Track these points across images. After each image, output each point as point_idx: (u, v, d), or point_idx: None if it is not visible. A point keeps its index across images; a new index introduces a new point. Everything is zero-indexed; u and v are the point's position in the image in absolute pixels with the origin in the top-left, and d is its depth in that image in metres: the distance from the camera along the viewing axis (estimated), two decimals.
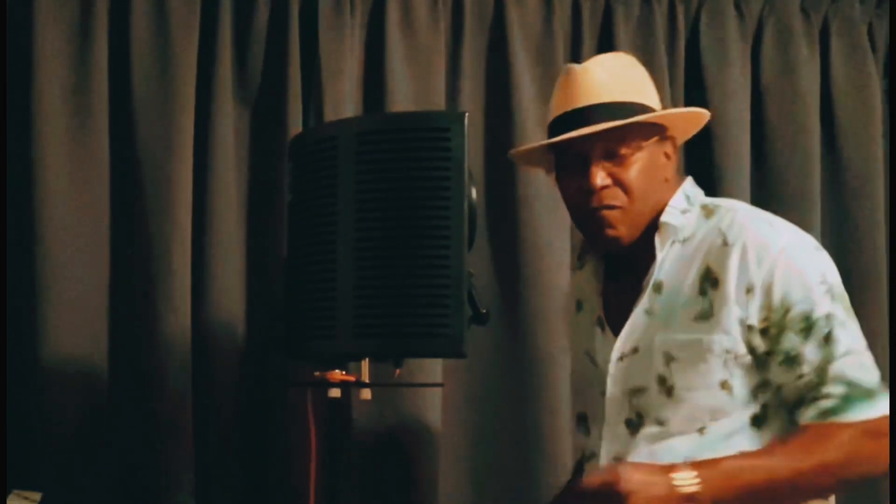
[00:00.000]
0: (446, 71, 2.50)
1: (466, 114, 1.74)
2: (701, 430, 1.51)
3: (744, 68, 2.62)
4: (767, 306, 1.48)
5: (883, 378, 2.52)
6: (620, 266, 1.68)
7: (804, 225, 2.53)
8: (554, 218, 2.47)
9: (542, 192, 2.46)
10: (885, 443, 1.45)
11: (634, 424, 1.57)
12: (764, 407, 1.52)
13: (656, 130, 1.61)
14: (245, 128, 2.43)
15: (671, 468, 1.42)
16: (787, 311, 1.47)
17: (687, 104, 2.58)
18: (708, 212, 1.59)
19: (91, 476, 2.27)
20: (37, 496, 1.93)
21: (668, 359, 1.54)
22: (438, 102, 2.46)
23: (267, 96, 2.43)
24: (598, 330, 1.67)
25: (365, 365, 1.95)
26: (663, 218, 1.58)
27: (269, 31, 2.43)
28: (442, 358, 2.33)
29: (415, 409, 2.39)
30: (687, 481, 1.40)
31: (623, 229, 1.59)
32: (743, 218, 1.55)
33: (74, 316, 2.29)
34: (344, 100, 2.41)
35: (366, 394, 1.96)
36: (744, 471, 1.45)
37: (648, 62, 2.56)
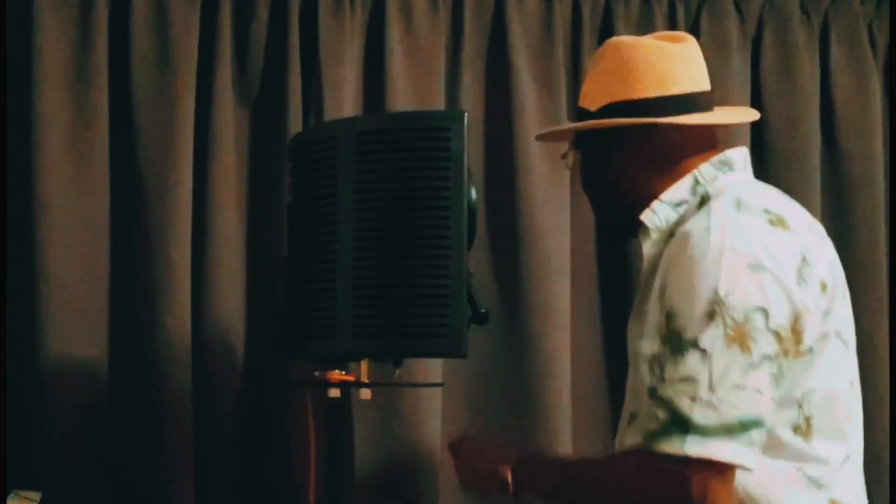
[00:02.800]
0: (446, 70, 2.50)
1: (466, 114, 1.74)
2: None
3: (744, 68, 2.62)
4: (666, 312, 1.39)
5: (881, 379, 2.55)
6: None
7: None
8: (554, 218, 2.47)
9: (542, 192, 2.46)
10: (674, 485, 1.34)
11: (630, 417, 1.58)
12: None
13: (617, 130, 1.57)
14: (245, 128, 2.43)
15: (508, 453, 1.58)
16: (671, 321, 1.38)
17: None
18: (700, 205, 1.51)
19: (91, 476, 2.27)
20: (37, 496, 1.93)
21: (634, 358, 1.52)
22: (438, 102, 2.46)
23: (267, 96, 2.43)
24: None
25: (365, 365, 1.95)
26: (641, 216, 1.54)
27: (269, 31, 2.43)
28: (442, 358, 2.33)
29: (415, 409, 2.39)
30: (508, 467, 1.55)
31: (603, 218, 1.72)
32: (699, 217, 1.45)
33: (74, 316, 2.29)
34: (344, 100, 2.41)
35: (366, 394, 1.96)
36: (548, 470, 1.58)
37: None
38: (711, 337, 1.34)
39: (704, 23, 2.61)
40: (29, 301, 2.26)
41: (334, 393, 1.92)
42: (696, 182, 1.53)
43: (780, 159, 2.62)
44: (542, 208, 2.47)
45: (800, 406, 1.41)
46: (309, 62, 2.42)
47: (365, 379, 1.94)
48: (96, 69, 2.33)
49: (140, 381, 2.30)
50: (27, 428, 2.24)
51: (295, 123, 2.37)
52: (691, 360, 1.34)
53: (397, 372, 1.93)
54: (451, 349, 1.74)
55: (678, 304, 1.37)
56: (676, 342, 1.36)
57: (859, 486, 1.52)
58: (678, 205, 1.53)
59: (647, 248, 1.54)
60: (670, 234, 1.50)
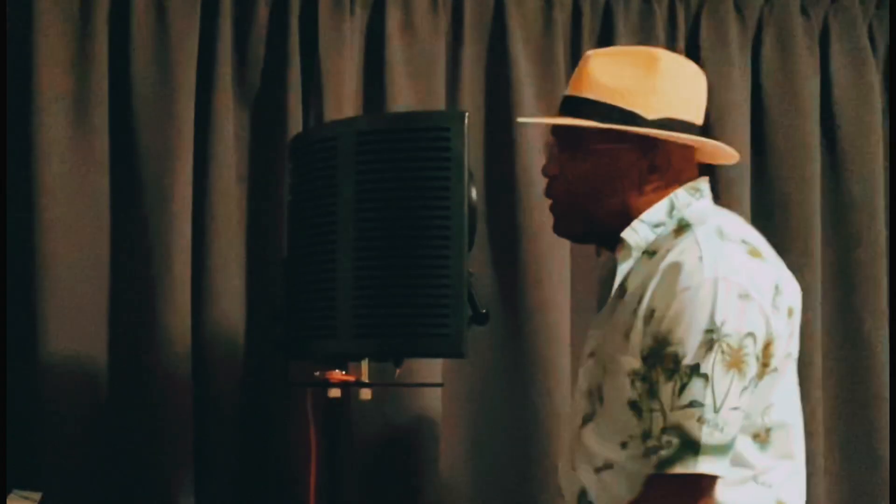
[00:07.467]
0: (446, 71, 2.50)
1: (466, 114, 1.74)
2: (623, 445, 1.52)
3: (744, 68, 2.62)
4: (654, 336, 1.46)
5: (882, 380, 2.56)
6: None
7: (804, 224, 2.58)
8: None
9: (542, 192, 2.46)
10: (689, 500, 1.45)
11: (584, 421, 1.60)
12: None
13: (626, 137, 1.56)
14: (245, 128, 2.43)
15: None
16: (664, 346, 1.44)
17: None
18: (678, 230, 1.55)
19: (91, 476, 2.27)
20: (37, 496, 1.94)
21: (604, 369, 1.55)
22: (438, 102, 2.46)
23: (267, 96, 2.43)
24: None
25: (365, 365, 1.95)
26: (622, 233, 1.57)
27: (269, 31, 2.43)
28: (442, 358, 2.33)
29: (415, 409, 2.39)
30: None
31: (562, 223, 1.64)
32: (686, 245, 1.50)
33: (74, 316, 2.29)
34: (344, 100, 2.41)
35: (366, 394, 1.96)
36: None
37: None
38: (712, 363, 1.42)
39: (704, 23, 2.61)
40: (29, 300, 2.26)
41: (334, 393, 1.92)
42: (672, 206, 1.59)
43: (780, 159, 2.62)
44: (541, 208, 2.46)
45: (762, 417, 1.51)
46: (309, 62, 2.42)
47: (365, 379, 1.94)
48: (96, 69, 2.33)
49: (140, 381, 2.30)
50: (27, 428, 2.24)
51: (295, 123, 2.37)
52: (695, 386, 1.42)
53: (397, 372, 1.93)
54: (451, 349, 1.74)
55: (675, 331, 1.44)
56: (674, 367, 1.44)
57: (802, 487, 1.61)
58: (656, 226, 1.58)
59: (624, 263, 1.58)
60: (647, 252, 1.56)
